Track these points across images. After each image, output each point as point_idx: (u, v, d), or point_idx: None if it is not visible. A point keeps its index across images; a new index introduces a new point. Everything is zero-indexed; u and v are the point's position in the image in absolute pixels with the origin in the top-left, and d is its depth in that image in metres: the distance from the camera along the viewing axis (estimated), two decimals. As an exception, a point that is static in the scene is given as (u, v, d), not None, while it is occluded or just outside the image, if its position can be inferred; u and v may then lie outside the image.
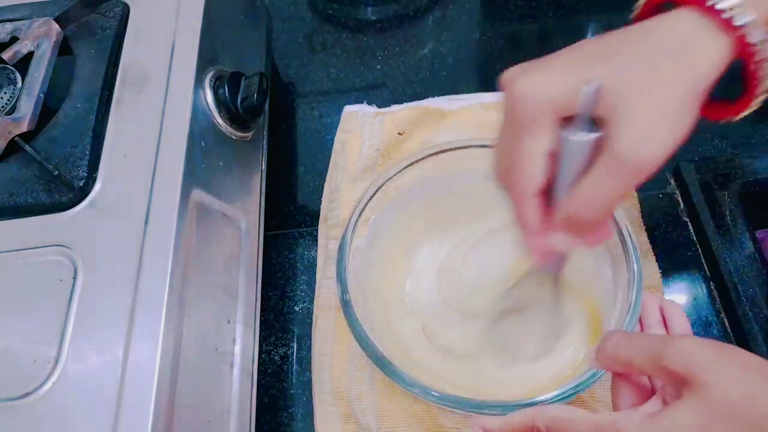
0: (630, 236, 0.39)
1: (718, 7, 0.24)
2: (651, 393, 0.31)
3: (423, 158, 0.45)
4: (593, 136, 0.26)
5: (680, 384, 0.26)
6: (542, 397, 0.34)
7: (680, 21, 0.25)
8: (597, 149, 0.26)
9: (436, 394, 0.35)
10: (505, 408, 0.34)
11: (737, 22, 0.24)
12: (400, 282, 0.47)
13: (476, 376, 0.42)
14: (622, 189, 0.25)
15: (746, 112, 0.28)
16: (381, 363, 0.37)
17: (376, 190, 0.44)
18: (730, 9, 0.24)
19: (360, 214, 0.43)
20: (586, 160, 0.26)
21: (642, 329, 0.38)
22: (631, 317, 0.37)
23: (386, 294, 0.46)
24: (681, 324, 0.37)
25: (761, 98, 0.26)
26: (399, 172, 0.45)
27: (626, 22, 0.28)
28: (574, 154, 0.26)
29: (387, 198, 0.45)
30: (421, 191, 0.46)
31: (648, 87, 0.24)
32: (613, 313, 0.39)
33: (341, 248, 0.41)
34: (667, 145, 0.24)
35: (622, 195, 0.26)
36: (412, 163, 0.45)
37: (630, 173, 0.25)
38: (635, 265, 0.38)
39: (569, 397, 0.34)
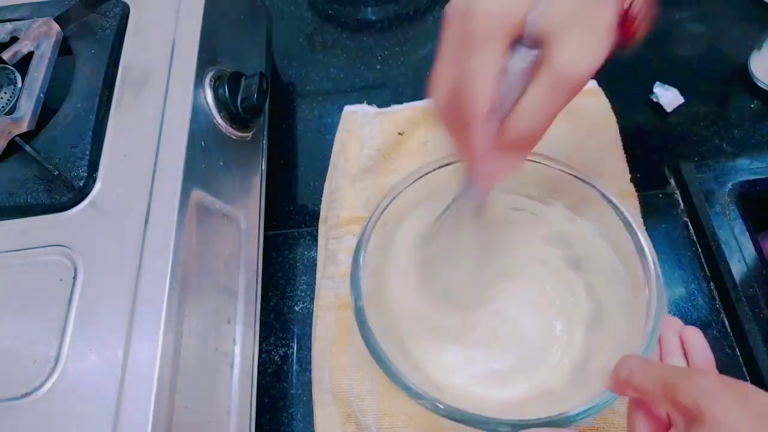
0: (655, 264, 0.38)
1: None
2: (667, 427, 0.30)
3: (432, 171, 0.44)
4: (534, 53, 0.29)
5: (691, 420, 0.26)
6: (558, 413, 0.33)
7: None
8: (534, 71, 0.29)
9: (442, 407, 0.34)
10: (515, 426, 0.33)
11: None
12: (409, 291, 0.47)
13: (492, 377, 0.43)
14: (561, 100, 0.29)
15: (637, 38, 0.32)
16: (387, 369, 0.36)
17: (392, 199, 0.43)
18: None
19: (374, 226, 0.42)
20: (526, 80, 0.29)
21: (661, 355, 0.36)
22: (649, 344, 0.35)
23: (396, 301, 0.45)
24: (703, 356, 0.35)
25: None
26: (411, 183, 0.44)
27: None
28: (519, 73, 0.29)
29: (398, 208, 0.44)
30: (431, 202, 0.46)
31: (581, 15, 0.28)
32: (633, 338, 0.37)
33: (355, 258, 0.40)
34: (596, 61, 0.28)
35: (561, 107, 0.29)
36: (423, 175, 0.44)
37: (567, 84, 0.28)
38: (656, 291, 0.37)
39: (585, 418, 0.34)
